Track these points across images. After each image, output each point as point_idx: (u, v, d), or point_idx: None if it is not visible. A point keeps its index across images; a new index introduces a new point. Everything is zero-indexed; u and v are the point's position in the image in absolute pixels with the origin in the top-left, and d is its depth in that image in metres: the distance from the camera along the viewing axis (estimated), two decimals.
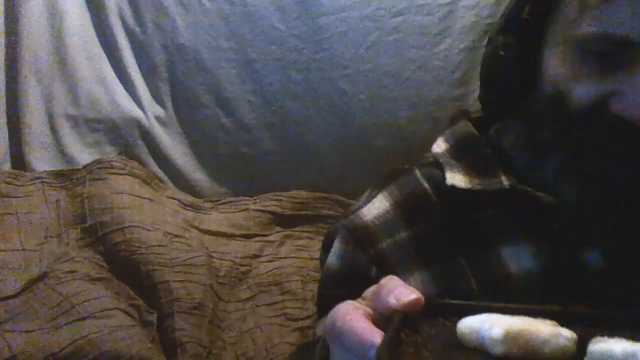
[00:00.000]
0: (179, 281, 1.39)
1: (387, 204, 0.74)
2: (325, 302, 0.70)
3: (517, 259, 0.68)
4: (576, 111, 0.63)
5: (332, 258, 0.74)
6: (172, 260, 1.43)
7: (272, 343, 1.36)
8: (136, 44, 1.68)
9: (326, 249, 0.76)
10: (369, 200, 0.76)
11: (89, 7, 1.67)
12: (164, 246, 1.45)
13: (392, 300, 0.47)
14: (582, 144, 0.63)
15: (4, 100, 1.65)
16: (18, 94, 1.65)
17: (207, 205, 1.67)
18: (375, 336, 0.45)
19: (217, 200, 1.69)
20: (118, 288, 1.40)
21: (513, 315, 0.45)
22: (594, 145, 0.63)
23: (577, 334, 0.43)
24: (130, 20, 1.67)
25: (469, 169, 0.72)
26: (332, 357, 0.52)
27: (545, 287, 0.66)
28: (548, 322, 0.45)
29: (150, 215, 1.51)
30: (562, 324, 0.45)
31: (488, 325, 0.43)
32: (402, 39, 1.63)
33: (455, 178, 0.71)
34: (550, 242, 0.67)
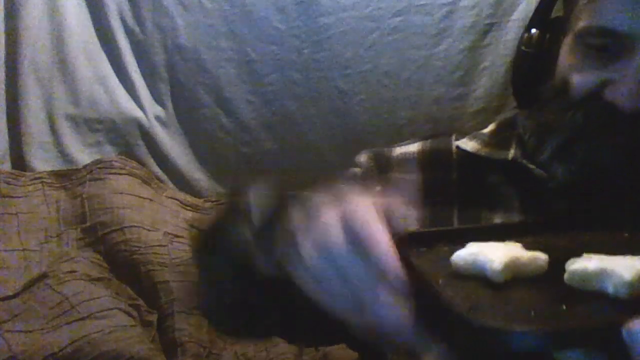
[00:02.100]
0: (179, 281, 1.39)
1: (415, 150, 0.84)
2: None
3: None
4: (576, 98, 0.69)
5: (354, 167, 0.86)
6: (172, 261, 1.43)
7: (272, 343, 1.36)
8: (136, 44, 1.68)
9: (352, 164, 0.87)
10: (406, 143, 0.86)
11: (89, 7, 1.67)
12: (164, 246, 1.45)
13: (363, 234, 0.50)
14: (578, 129, 0.69)
15: (4, 100, 1.65)
16: (18, 94, 1.65)
17: (207, 205, 1.67)
18: (398, 266, 0.49)
19: (217, 200, 1.69)
20: (118, 288, 1.40)
21: (488, 241, 0.56)
22: (588, 130, 0.68)
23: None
24: (130, 20, 1.67)
25: (489, 142, 0.80)
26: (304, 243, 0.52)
27: None
28: (518, 245, 0.57)
29: (150, 215, 1.51)
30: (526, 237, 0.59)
31: (484, 258, 0.53)
32: (402, 39, 1.63)
33: (467, 144, 0.81)
34: (540, 215, 0.74)
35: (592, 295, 0.50)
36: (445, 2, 1.61)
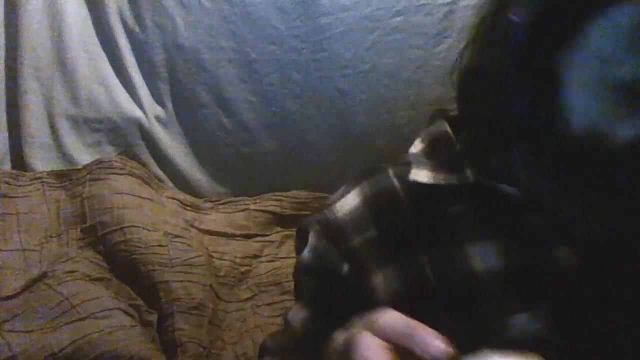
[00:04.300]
0: (179, 281, 1.39)
1: (358, 201, 0.75)
2: (298, 290, 0.77)
3: (482, 257, 0.67)
4: (615, 151, 0.61)
5: (306, 251, 0.76)
6: (172, 260, 1.43)
7: None
8: (136, 44, 1.68)
9: (301, 238, 0.77)
10: (342, 195, 0.77)
11: (89, 7, 1.67)
12: (164, 246, 1.45)
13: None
14: (620, 183, 0.62)
15: (4, 100, 1.65)
16: (18, 94, 1.65)
17: (207, 205, 1.67)
18: None
19: (217, 200, 1.69)
20: (118, 288, 1.40)
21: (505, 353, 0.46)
22: (635, 184, 0.62)
23: None
24: (130, 20, 1.67)
25: (438, 166, 0.72)
26: None
27: (511, 285, 0.66)
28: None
29: (150, 215, 1.51)
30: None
31: None
32: (402, 39, 1.63)
33: (420, 174, 0.72)
34: (518, 239, 0.67)
35: None
36: (445, 2, 1.61)
